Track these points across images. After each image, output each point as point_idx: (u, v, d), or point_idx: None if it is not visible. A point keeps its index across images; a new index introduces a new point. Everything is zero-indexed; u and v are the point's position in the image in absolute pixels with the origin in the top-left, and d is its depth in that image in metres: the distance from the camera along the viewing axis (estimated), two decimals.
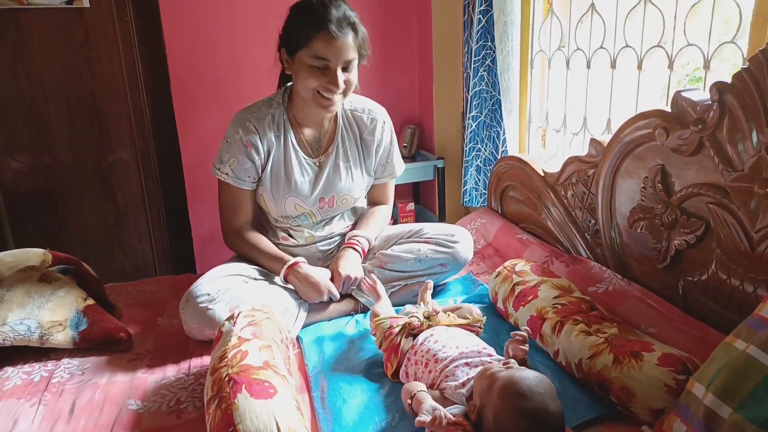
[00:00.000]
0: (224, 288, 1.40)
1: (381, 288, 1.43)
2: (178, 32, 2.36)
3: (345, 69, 1.40)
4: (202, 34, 2.40)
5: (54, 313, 1.36)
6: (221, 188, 1.55)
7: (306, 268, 1.48)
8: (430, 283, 1.43)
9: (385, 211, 1.74)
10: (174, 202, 2.62)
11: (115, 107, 2.44)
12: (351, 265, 1.52)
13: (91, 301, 1.44)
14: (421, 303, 1.37)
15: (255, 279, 1.49)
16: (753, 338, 0.87)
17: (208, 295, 1.37)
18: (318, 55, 1.36)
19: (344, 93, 1.44)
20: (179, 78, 2.41)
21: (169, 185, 2.61)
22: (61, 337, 1.35)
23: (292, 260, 1.48)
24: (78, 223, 2.53)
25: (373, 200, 1.75)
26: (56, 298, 1.39)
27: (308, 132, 1.56)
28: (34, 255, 1.56)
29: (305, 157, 1.55)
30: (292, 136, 1.53)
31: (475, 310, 1.31)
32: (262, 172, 1.53)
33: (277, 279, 1.51)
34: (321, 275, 1.48)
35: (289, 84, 1.56)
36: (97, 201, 2.54)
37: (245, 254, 1.56)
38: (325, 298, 1.48)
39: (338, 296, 1.51)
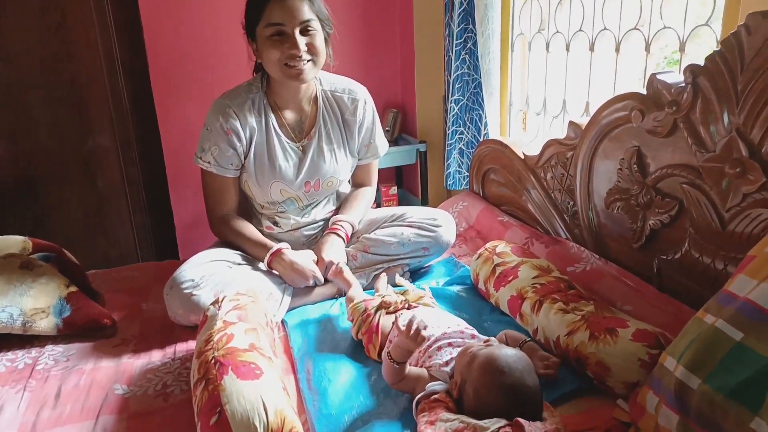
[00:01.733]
0: (208, 274, 1.40)
1: (349, 274, 1.46)
2: (157, 15, 2.32)
3: (304, 33, 1.39)
4: (180, 17, 2.36)
5: (36, 300, 1.35)
6: (204, 177, 1.55)
7: (290, 254, 1.49)
8: (384, 275, 1.49)
9: (368, 192, 1.75)
10: (155, 188, 2.60)
11: (94, 92, 2.40)
12: (334, 251, 1.53)
13: (73, 288, 1.44)
14: (376, 292, 1.41)
15: (239, 264, 1.50)
16: (721, 312, 0.90)
17: (193, 281, 1.38)
18: (271, 22, 1.36)
19: (313, 61, 1.42)
20: (158, 62, 2.38)
21: (150, 170, 2.58)
22: (45, 324, 1.35)
23: (275, 247, 1.49)
24: (59, 210, 2.50)
25: (357, 182, 1.76)
26: (38, 285, 1.39)
27: (289, 115, 1.56)
28: (14, 242, 1.54)
29: (288, 141, 1.55)
30: (273, 120, 1.53)
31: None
32: (245, 159, 1.53)
33: (261, 265, 1.52)
34: (305, 260, 1.49)
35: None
36: (77, 187, 2.51)
37: (231, 241, 1.57)
38: (311, 282, 1.49)
39: (323, 280, 1.52)
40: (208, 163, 1.50)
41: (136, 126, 2.51)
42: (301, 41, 1.38)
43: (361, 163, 1.71)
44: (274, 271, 1.50)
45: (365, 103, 1.63)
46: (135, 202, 2.62)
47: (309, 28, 1.39)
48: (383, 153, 1.73)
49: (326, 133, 1.59)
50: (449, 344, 1.11)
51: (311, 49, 1.40)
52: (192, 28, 2.39)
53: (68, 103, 2.38)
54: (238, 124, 1.48)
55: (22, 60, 2.27)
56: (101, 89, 2.41)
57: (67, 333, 1.37)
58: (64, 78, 2.35)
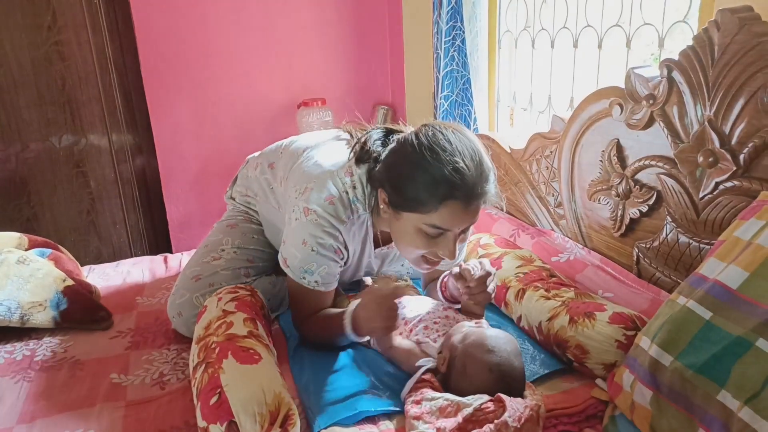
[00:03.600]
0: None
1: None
2: (148, 14, 2.35)
3: (462, 231, 1.16)
4: (172, 17, 2.39)
5: (34, 294, 1.38)
6: (305, 294, 1.29)
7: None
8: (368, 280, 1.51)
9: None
10: (148, 186, 2.63)
11: (86, 92, 2.43)
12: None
13: (70, 282, 1.47)
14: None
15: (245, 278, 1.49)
16: (693, 294, 0.95)
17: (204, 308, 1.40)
18: (437, 225, 1.10)
19: None
20: (150, 62, 2.41)
21: (142, 169, 2.61)
22: (42, 317, 1.38)
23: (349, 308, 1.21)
24: (52, 210, 2.53)
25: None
26: (35, 279, 1.41)
27: (381, 233, 1.41)
28: (10, 239, 1.58)
29: (374, 251, 1.42)
30: (370, 239, 1.38)
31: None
32: None
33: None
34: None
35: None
36: (70, 187, 2.53)
37: (316, 336, 1.31)
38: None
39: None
40: (316, 282, 1.27)
41: (129, 125, 2.54)
42: (459, 246, 1.16)
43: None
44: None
45: None
46: (128, 201, 2.65)
47: (466, 229, 1.17)
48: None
49: None
50: (435, 322, 1.18)
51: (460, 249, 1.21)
52: (183, 27, 2.42)
53: (60, 103, 2.41)
54: (344, 248, 1.29)
55: (12, 61, 2.30)
56: (93, 89, 2.44)
57: (64, 326, 1.40)
58: (55, 78, 2.37)
